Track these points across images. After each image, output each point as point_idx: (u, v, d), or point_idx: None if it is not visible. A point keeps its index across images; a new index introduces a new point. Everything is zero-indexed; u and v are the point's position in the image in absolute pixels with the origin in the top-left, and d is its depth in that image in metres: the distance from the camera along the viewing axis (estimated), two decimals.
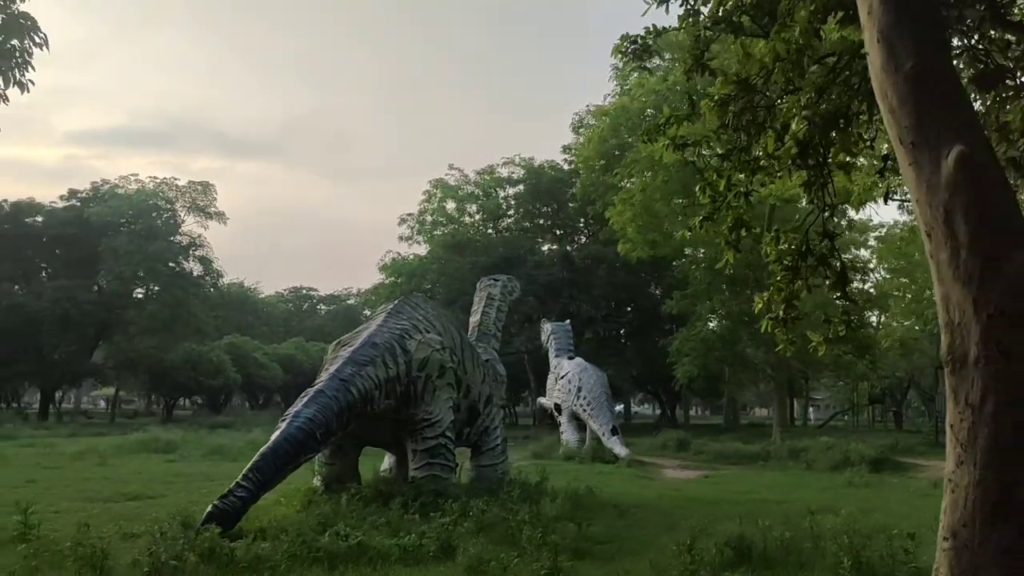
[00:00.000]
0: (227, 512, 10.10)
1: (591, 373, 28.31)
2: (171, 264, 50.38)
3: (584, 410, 27.60)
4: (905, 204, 34.15)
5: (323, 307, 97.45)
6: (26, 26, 7.87)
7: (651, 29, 6.50)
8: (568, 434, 28.60)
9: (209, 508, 10.10)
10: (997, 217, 3.53)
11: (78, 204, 50.79)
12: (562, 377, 29.01)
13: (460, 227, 51.13)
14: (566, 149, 49.50)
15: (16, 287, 48.99)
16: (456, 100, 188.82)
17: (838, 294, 7.66)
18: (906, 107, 3.80)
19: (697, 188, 7.80)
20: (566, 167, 49.23)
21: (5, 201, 49.18)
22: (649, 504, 14.58)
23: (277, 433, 11.34)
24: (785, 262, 7.51)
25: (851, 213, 37.01)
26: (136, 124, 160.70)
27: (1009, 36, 5.95)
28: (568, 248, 50.13)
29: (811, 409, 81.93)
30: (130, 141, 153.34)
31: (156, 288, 51.63)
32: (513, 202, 51.63)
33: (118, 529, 10.70)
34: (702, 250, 39.51)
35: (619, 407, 74.22)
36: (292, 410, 11.85)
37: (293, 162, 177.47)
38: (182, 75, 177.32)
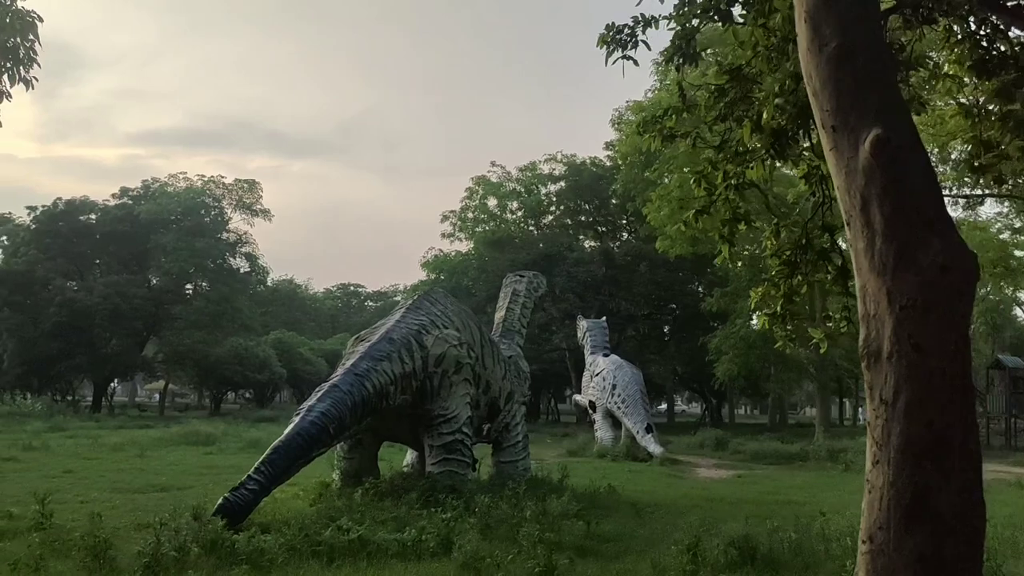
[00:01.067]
0: (238, 505, 10.21)
1: (626, 370, 28.11)
2: (218, 261, 51.25)
3: (618, 407, 27.41)
4: (951, 199, 33.28)
5: (370, 303, 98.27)
6: (29, 23, 8.01)
7: (639, 18, 6.38)
8: (602, 432, 28.45)
9: (220, 500, 10.22)
10: (913, 204, 3.35)
11: (129, 202, 51.95)
12: (597, 374, 28.85)
13: (501, 224, 51.17)
14: (608, 145, 49.22)
15: (70, 283, 50.23)
16: (502, 98, 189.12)
17: (839, 290, 7.44)
18: (827, 89, 3.63)
19: (692, 181, 7.65)
20: (608, 163, 48.94)
21: (59, 199, 50.50)
22: (670, 503, 14.40)
23: (290, 427, 11.44)
24: (783, 256, 7.33)
25: None
26: (194, 124, 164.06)
27: (1003, 21, 5.68)
28: (610, 245, 49.81)
29: (860, 409, 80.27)
30: (188, 141, 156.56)
31: (204, 284, 52.67)
32: (554, 199, 51.49)
33: (134, 520, 10.95)
34: (747, 247, 39.00)
35: (662, 406, 73.83)
36: (306, 404, 11.96)
37: (346, 161, 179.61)
38: (239, 76, 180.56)
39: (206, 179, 52.96)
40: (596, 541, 9.95)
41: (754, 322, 37.45)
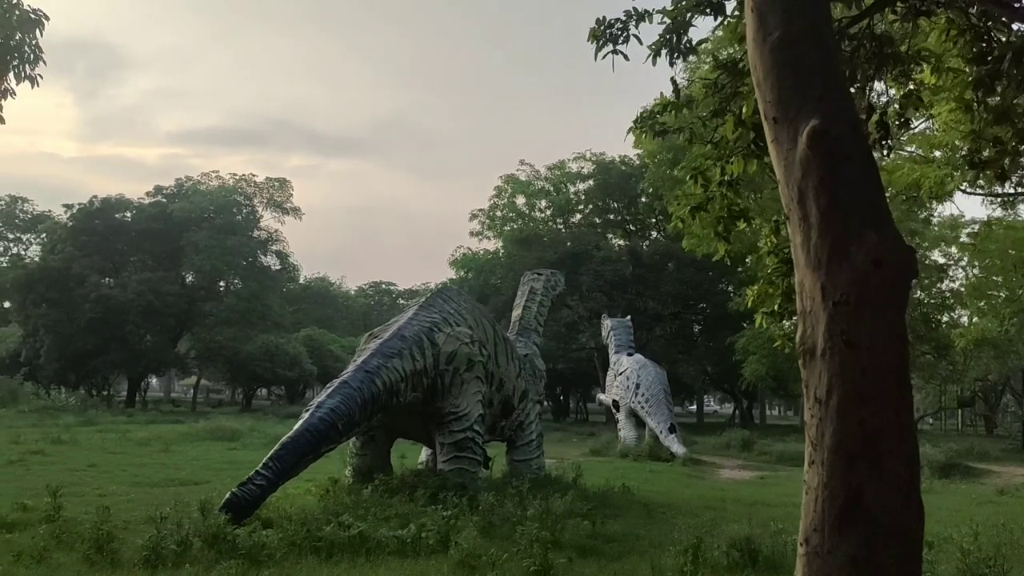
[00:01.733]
0: (245, 499, 10.26)
1: (650, 370, 27.95)
2: (249, 258, 51.78)
3: (642, 407, 27.28)
4: (988, 197, 32.61)
5: (402, 301, 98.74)
6: (35, 21, 8.11)
7: (631, 12, 6.28)
8: (626, 431, 28.32)
9: (227, 495, 10.29)
10: (850, 197, 3.24)
11: (163, 200, 52.68)
12: (620, 373, 28.73)
13: (529, 222, 51.11)
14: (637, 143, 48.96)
15: (105, 280, 51.04)
16: (533, 96, 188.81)
17: None
18: (769, 80, 3.53)
19: (688, 177, 7.55)
20: (637, 162, 48.67)
21: (95, 197, 51.31)
22: (684, 504, 14.27)
23: (300, 423, 11.49)
24: (781, 254, 7.20)
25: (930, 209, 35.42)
26: (233, 124, 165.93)
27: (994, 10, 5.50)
28: (638, 244, 49.52)
29: None
30: (227, 140, 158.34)
31: (235, 281, 53.26)
32: (583, 197, 51.33)
33: (146, 514, 11.06)
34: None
35: (692, 406, 73.22)
36: (316, 400, 12.01)
37: (381, 160, 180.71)
38: (277, 76, 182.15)
39: (237, 177, 53.61)
40: (600, 541, 9.89)
41: (786, 323, 37.10)
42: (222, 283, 53.72)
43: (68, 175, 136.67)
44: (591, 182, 50.22)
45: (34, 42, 8.22)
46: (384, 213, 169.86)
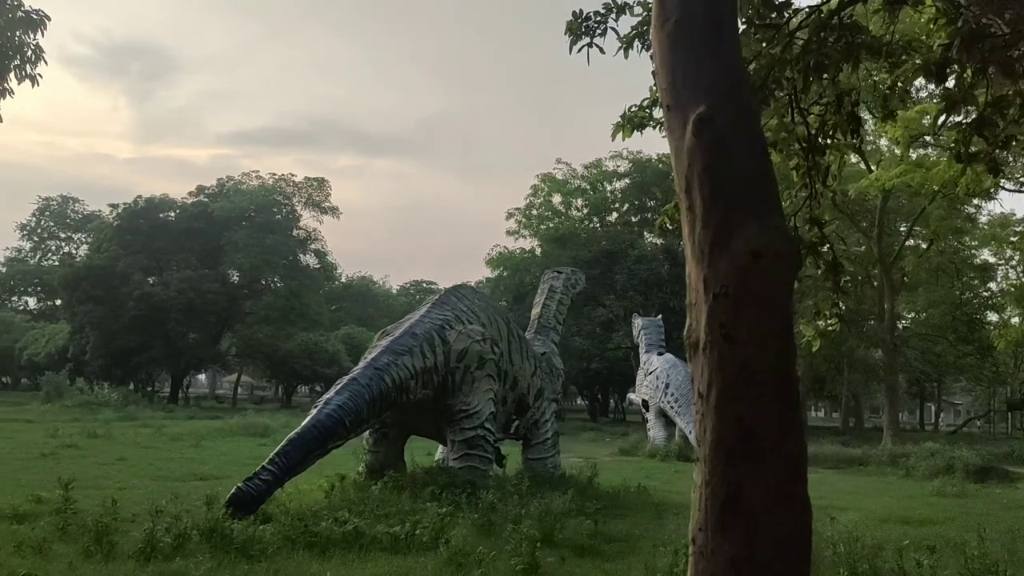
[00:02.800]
0: (250, 494, 10.36)
1: (680, 369, 27.64)
2: (288, 257, 52.39)
3: (671, 407, 27.04)
4: None
5: None
6: (36, 21, 8.27)
7: (610, 4, 6.18)
8: (655, 431, 28.10)
9: (233, 490, 10.40)
10: (734, 186, 3.12)
11: (205, 200, 53.57)
12: (650, 373, 28.51)
13: (565, 221, 50.97)
14: None
15: (148, 278, 52.05)
16: (573, 94, 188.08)
17: (830, 286, 7.13)
18: (664, 67, 3.42)
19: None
20: None
21: (140, 197, 52.39)
22: None
23: (307, 419, 11.58)
24: None
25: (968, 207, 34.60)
26: (281, 124, 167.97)
27: None
28: (675, 243, 49.03)
29: (942, 414, 77.43)
30: (275, 141, 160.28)
31: (275, 280, 53.91)
32: (619, 196, 51.03)
33: (158, 507, 11.22)
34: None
35: None
36: (325, 397, 12.10)
37: (425, 159, 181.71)
38: (324, 78, 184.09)
39: (277, 177, 54.25)
40: (601, 540, 9.78)
41: (821, 323, 36.46)
42: (262, 281, 54.41)
43: (122, 176, 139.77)
44: (627, 180, 49.91)
45: (35, 42, 8.36)
46: (427, 212, 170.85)
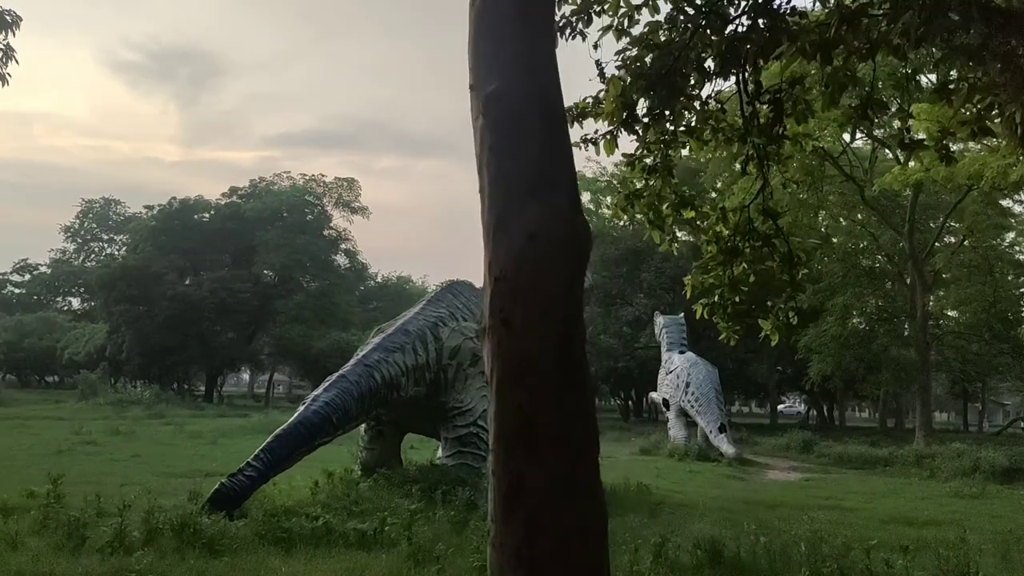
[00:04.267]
0: (234, 491, 10.39)
1: (700, 368, 27.31)
2: (319, 257, 52.80)
3: (692, 406, 26.70)
4: None
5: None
6: (6, 23, 8.37)
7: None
8: (675, 430, 27.77)
9: (217, 486, 10.44)
10: (519, 166, 2.97)
11: (238, 200, 54.21)
12: (671, 372, 28.20)
13: (595, 219, 50.63)
14: None
15: (184, 278, 52.84)
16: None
17: (786, 279, 6.93)
18: (469, 47, 3.29)
19: (626, 164, 7.27)
20: (704, 158, 47.66)
21: (174, 198, 53.19)
22: (697, 504, 13.86)
23: (294, 416, 11.61)
24: (721, 243, 6.88)
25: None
26: (325, 126, 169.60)
27: None
28: (701, 239, 48.45)
29: (987, 415, 75.52)
30: (320, 143, 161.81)
31: (309, 280, 54.38)
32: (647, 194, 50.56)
33: (154, 503, 11.32)
34: (836, 239, 37.25)
35: (764, 407, 71.28)
36: (313, 394, 12.12)
37: (465, 160, 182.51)
38: (368, 80, 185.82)
39: (308, 178, 54.73)
40: None
41: (856, 320, 35.77)
42: (294, 281, 54.92)
43: (170, 179, 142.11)
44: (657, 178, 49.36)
45: (6, 42, 8.45)
46: (468, 213, 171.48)
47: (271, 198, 52.64)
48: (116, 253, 73.99)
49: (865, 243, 37.59)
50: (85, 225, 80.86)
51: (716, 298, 6.87)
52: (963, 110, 5.71)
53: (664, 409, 29.27)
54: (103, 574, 7.42)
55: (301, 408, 11.74)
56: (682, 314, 32.36)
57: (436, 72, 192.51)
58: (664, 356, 29.45)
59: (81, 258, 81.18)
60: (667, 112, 6.26)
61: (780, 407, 76.60)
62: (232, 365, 59.48)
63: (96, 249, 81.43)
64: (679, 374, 27.59)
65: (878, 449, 27.74)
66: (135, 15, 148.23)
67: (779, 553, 8.05)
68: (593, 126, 7.40)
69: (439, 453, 15.60)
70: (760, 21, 5.29)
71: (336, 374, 12.42)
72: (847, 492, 17.85)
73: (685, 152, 7.24)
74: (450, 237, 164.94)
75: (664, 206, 7.23)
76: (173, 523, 8.81)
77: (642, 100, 6.33)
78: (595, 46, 6.21)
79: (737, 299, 6.92)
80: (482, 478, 12.69)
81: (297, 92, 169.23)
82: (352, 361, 12.74)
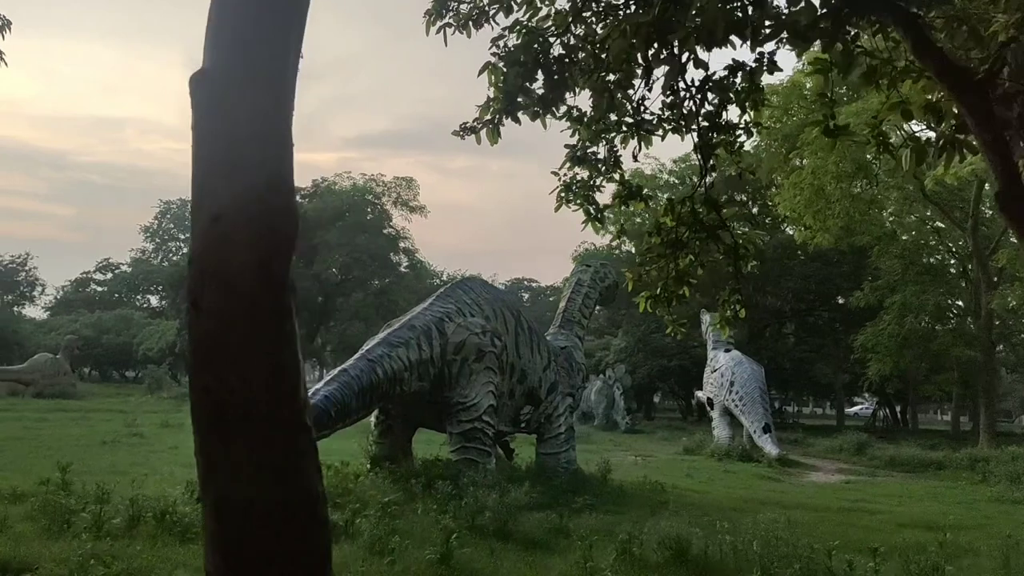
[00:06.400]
0: None
1: (745, 367, 26.80)
2: (379, 255, 53.43)
3: (736, 405, 26.22)
4: None
5: (541, 297, 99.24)
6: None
7: None
8: (719, 430, 27.32)
9: None
10: (213, 149, 2.85)
11: (301, 200, 55.26)
12: (715, 370, 27.77)
13: (652, 216, 50.11)
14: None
15: None
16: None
17: (732, 270, 6.74)
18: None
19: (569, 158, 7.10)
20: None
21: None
22: (709, 504, 13.59)
23: None
24: (664, 235, 6.73)
25: None
26: (400, 127, 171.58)
27: None
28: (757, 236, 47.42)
29: None
30: (395, 143, 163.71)
31: (372, 278, 55.12)
32: (702, 190, 49.74)
33: (154, 491, 11.67)
34: (905, 236, 36.01)
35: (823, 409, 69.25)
36: (315, 387, 12.28)
37: (535, 159, 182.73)
38: (440, 81, 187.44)
39: (367, 177, 55.42)
40: (558, 535, 9.59)
41: (917, 318, 34.42)
42: (353, 279, 55.73)
43: None
44: (715, 174, 48.55)
45: None
46: (538, 211, 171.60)
47: (332, 198, 53.49)
48: None
49: (933, 241, 36.30)
50: (163, 225, 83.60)
51: (659, 291, 6.72)
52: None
53: (708, 408, 28.81)
54: (71, 558, 7.66)
55: None
56: None
57: None
58: (710, 354, 29.01)
59: (159, 257, 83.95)
60: (556, 100, 6.12)
61: (855, 409, 74.50)
62: None
63: (173, 248, 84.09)
64: (723, 373, 27.14)
65: (934, 452, 26.77)
66: None
67: (744, 554, 7.85)
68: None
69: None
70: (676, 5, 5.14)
71: (338, 368, 12.56)
72: (882, 495, 17.32)
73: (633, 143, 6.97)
74: (523, 236, 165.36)
75: (613, 198, 7.07)
76: (155, 511, 9.06)
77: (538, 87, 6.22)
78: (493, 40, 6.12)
79: (683, 292, 6.77)
80: (486, 473, 12.71)
81: (373, 94, 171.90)
82: (356, 355, 12.87)
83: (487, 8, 5.90)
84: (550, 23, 5.78)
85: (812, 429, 40.85)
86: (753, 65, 5.81)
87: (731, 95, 6.29)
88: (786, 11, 4.91)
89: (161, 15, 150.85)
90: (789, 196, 30.25)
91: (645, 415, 49.22)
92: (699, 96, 6.40)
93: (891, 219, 36.54)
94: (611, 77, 6.21)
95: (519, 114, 6.08)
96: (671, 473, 19.01)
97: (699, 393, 30.84)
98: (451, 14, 6.02)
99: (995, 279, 31.66)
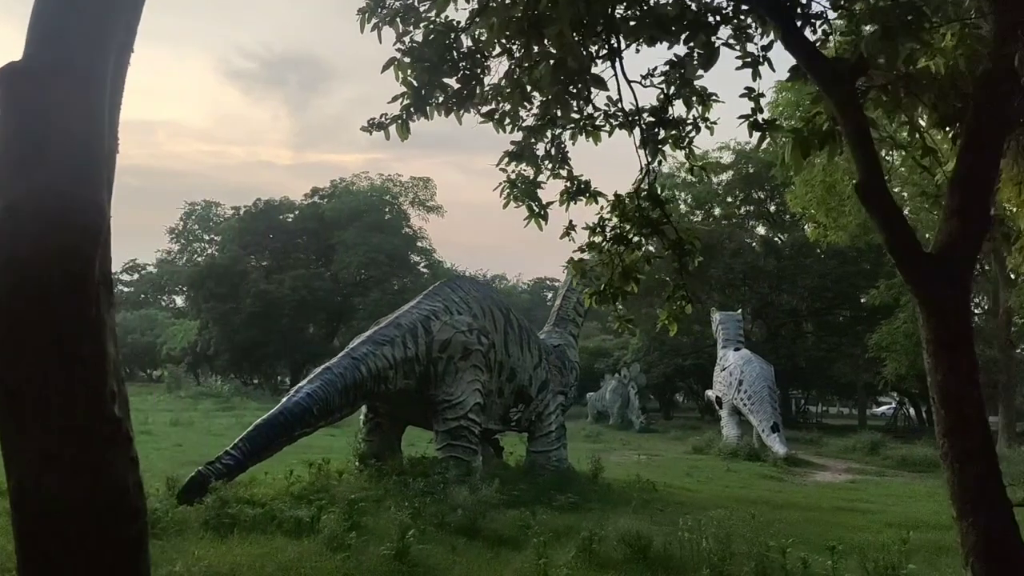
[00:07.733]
0: (208, 478, 10.68)
1: (755, 366, 26.59)
2: (395, 255, 53.68)
3: (744, 404, 26.04)
4: None
5: None
6: None
7: None
8: (728, 429, 27.16)
9: (193, 473, 10.78)
10: (14, 144, 2.86)
11: (319, 201, 55.73)
12: (724, 369, 27.59)
13: (670, 214, 49.85)
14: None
15: (268, 276, 54.65)
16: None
17: (677, 267, 6.69)
18: None
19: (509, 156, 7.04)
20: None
21: (259, 199, 55.08)
22: (695, 504, 13.50)
23: (277, 406, 11.90)
24: (606, 231, 6.70)
25: None
26: (428, 128, 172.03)
27: None
28: (774, 236, 47.07)
29: None
30: (423, 144, 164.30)
31: (391, 278, 55.38)
32: (721, 189, 49.43)
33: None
34: (927, 234, 35.49)
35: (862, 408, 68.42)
36: (299, 385, 12.39)
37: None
38: None
39: (384, 177, 55.78)
40: (527, 532, 9.57)
41: None
42: (371, 279, 56.02)
43: (283, 182, 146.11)
44: (731, 172, 48.28)
45: None
46: (562, 210, 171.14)
47: (350, 198, 53.89)
48: (216, 254, 77.32)
49: None
50: (188, 226, 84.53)
51: (603, 287, 6.70)
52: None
53: (717, 407, 28.65)
54: None
55: (284, 399, 12.02)
56: (739, 310, 31.64)
57: None
58: (719, 353, 28.84)
59: (184, 258, 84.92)
60: (470, 96, 6.10)
61: (882, 409, 73.49)
62: (315, 361, 61.11)
63: (198, 250, 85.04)
64: (732, 371, 26.97)
65: None
66: (249, 24, 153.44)
67: (705, 552, 7.81)
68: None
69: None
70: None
71: (323, 366, 12.65)
72: (882, 495, 17.14)
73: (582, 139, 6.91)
74: (547, 235, 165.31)
75: (559, 195, 7.05)
76: None
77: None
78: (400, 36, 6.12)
79: (631, 288, 6.74)
80: (472, 471, 12.74)
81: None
82: (341, 353, 12.95)
83: (416, 4, 5.90)
84: (429, 4, 5.75)
85: (831, 429, 40.46)
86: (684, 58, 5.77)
87: (672, 90, 6.25)
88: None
89: (193, 19, 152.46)
90: (800, 193, 29.93)
91: (664, 414, 48.98)
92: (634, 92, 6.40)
93: (908, 216, 36.07)
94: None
95: (429, 110, 6.05)
96: (671, 472, 18.93)
97: (708, 392, 30.65)
98: (383, 10, 6.01)
99: (1013, 276, 31.13)
